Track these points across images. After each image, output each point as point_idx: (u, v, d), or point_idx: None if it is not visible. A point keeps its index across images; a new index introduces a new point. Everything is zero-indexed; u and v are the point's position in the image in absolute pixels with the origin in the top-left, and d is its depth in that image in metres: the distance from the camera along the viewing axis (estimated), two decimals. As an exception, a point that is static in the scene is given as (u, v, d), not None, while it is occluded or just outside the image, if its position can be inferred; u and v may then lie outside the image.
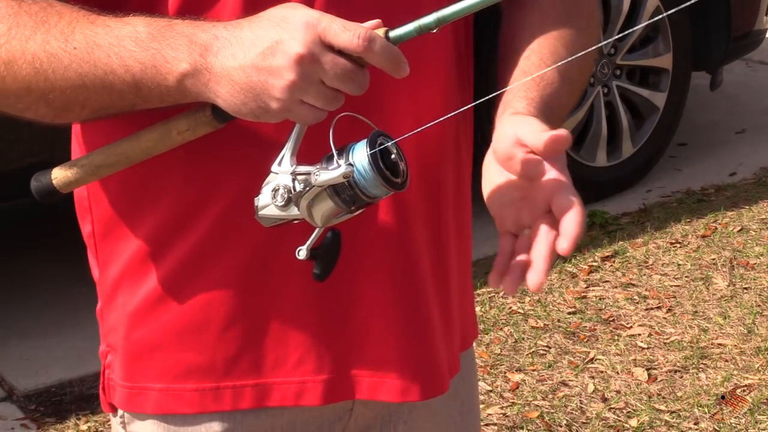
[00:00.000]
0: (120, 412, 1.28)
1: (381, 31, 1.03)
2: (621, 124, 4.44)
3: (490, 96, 1.16)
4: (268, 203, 1.07)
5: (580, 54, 1.17)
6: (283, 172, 1.06)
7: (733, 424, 2.95)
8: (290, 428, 1.25)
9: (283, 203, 1.06)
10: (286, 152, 1.06)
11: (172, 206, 1.18)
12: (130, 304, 1.23)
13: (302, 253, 1.09)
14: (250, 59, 1.01)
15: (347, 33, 1.00)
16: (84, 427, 3.08)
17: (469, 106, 1.21)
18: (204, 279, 1.19)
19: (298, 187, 1.05)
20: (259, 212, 1.08)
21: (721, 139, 5.02)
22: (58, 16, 1.08)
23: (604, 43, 1.23)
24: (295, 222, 1.08)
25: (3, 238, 4.26)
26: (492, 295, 3.68)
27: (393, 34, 1.03)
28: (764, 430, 2.92)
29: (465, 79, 1.29)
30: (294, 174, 1.05)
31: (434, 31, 1.03)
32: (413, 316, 1.24)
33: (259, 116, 1.04)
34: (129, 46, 1.05)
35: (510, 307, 3.60)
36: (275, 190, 1.06)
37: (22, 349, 3.47)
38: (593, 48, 1.20)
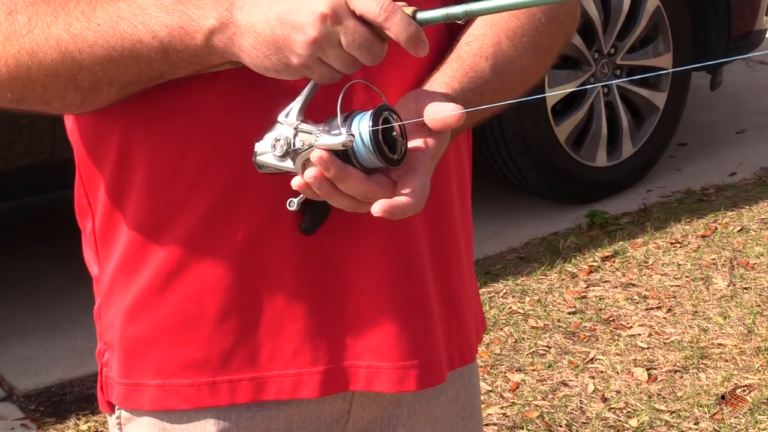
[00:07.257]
0: (117, 413, 1.28)
1: (409, 10, 1.05)
2: (621, 124, 4.44)
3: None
4: (267, 151, 1.09)
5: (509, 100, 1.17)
6: (287, 124, 1.08)
7: (733, 424, 2.95)
8: (287, 430, 1.25)
9: (281, 154, 1.08)
10: (295, 105, 1.09)
11: (163, 195, 1.19)
12: (125, 300, 1.23)
13: (293, 204, 1.11)
14: (275, 12, 1.04)
15: (372, 1, 1.03)
16: (84, 427, 3.08)
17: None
18: (196, 271, 1.19)
19: (298, 144, 1.07)
20: (257, 157, 1.10)
21: (721, 139, 5.02)
22: (76, 0, 1.10)
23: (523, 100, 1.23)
24: (291, 174, 1.10)
25: (3, 238, 4.26)
26: (492, 295, 3.68)
27: (420, 15, 1.05)
28: (764, 430, 2.92)
29: None
30: (297, 130, 1.08)
31: (460, 22, 1.06)
32: (410, 304, 1.23)
33: (279, 71, 1.07)
34: (154, 12, 1.08)
35: (510, 307, 3.60)
36: (276, 140, 1.08)
37: (22, 349, 3.47)
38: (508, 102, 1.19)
